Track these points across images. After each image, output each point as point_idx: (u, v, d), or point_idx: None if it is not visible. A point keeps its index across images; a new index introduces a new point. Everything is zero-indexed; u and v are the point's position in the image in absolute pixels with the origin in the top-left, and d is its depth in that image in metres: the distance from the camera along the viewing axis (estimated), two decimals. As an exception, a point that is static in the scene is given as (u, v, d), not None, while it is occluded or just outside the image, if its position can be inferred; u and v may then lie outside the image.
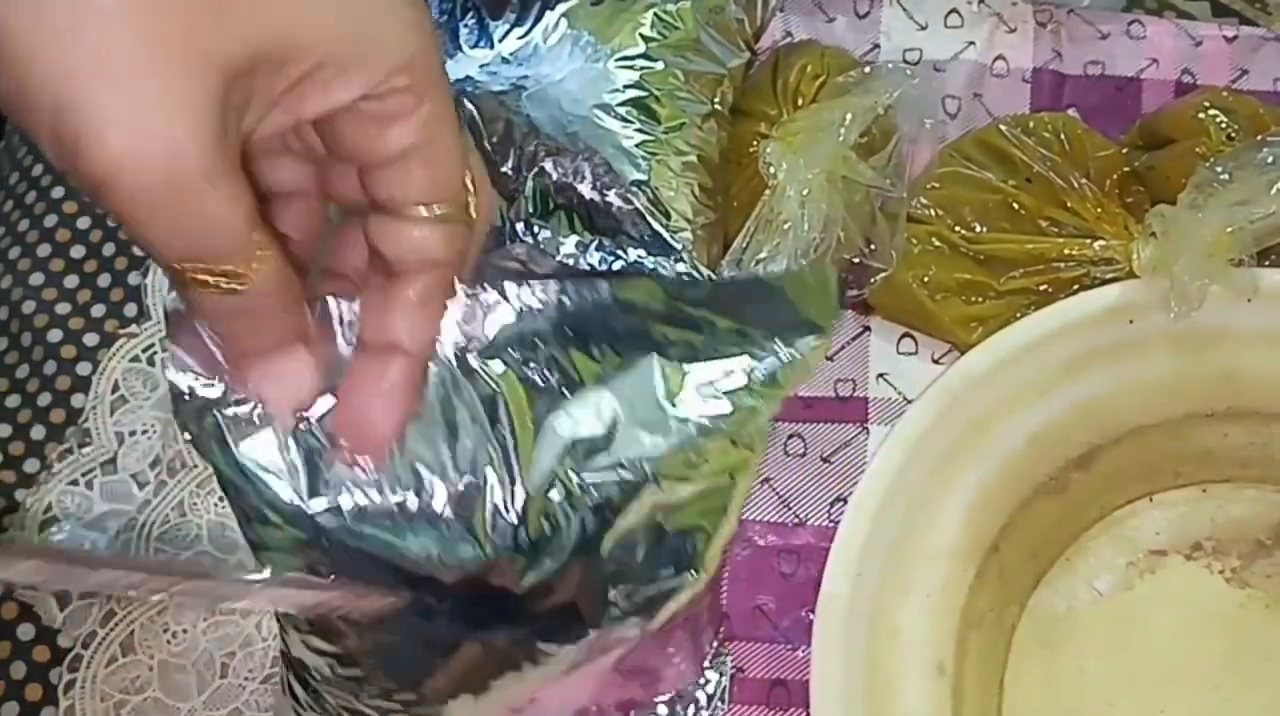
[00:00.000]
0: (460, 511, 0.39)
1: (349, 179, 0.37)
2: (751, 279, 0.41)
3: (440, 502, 0.39)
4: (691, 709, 0.54)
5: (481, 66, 0.58)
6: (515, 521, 0.39)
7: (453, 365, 0.39)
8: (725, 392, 0.40)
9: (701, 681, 0.55)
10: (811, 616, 0.50)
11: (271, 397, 0.37)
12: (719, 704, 0.55)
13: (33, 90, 0.29)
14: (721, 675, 0.55)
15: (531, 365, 0.40)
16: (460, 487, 0.39)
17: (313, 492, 0.38)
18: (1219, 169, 0.50)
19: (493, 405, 0.39)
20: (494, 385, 0.39)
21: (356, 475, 0.38)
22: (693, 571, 0.44)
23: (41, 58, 0.29)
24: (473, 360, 0.39)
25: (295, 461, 0.38)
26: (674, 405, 0.40)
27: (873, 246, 0.56)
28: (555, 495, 0.40)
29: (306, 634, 0.44)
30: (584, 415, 0.39)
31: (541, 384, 0.39)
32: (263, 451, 0.38)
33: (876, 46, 0.66)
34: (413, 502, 0.39)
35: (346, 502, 0.38)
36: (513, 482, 0.39)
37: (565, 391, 0.39)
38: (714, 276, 0.41)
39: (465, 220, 0.36)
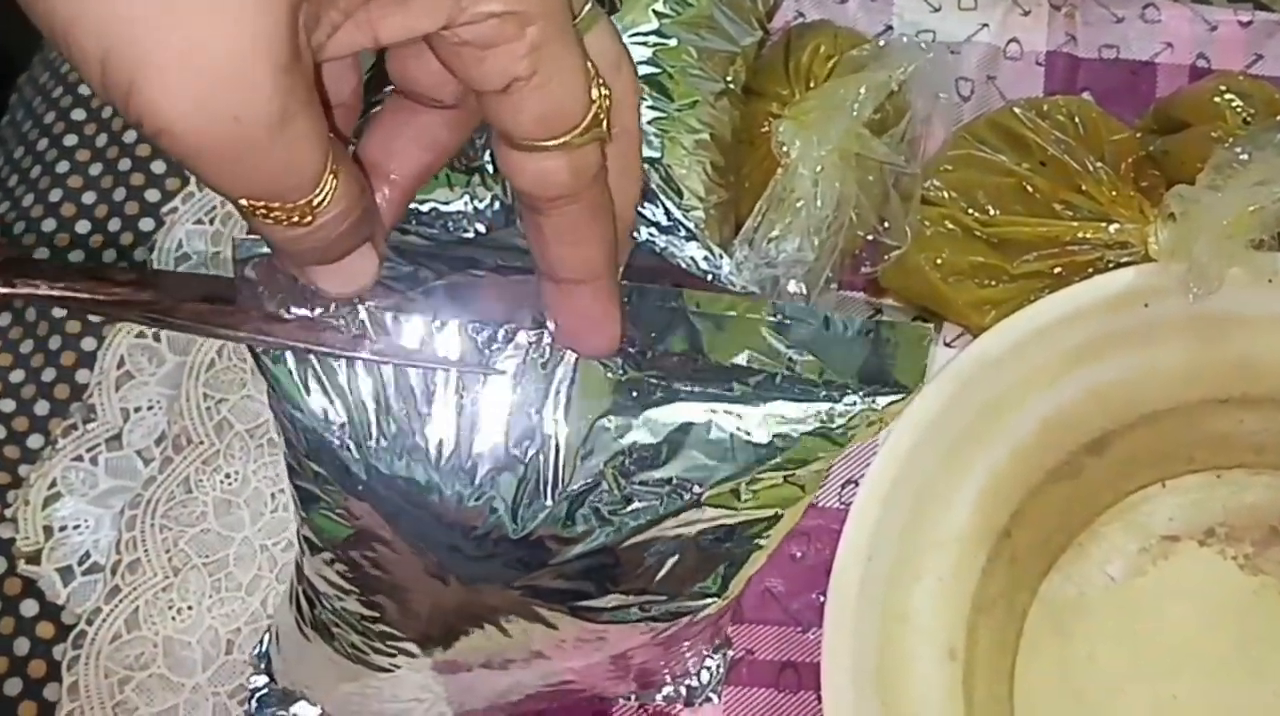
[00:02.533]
0: (500, 478, 0.39)
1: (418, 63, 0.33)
2: (851, 322, 0.40)
3: (485, 468, 0.39)
4: (685, 690, 0.54)
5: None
6: (551, 507, 0.39)
7: (529, 347, 0.38)
8: (794, 433, 0.39)
9: (703, 666, 0.54)
10: (822, 599, 0.50)
11: (334, 292, 0.35)
12: (718, 686, 0.55)
13: (80, 33, 0.26)
14: (722, 660, 0.55)
15: (608, 362, 0.39)
16: (507, 459, 0.39)
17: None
18: (1238, 149, 0.50)
19: (558, 392, 0.39)
20: (570, 371, 0.39)
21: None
22: (715, 597, 0.44)
23: None
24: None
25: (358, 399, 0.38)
26: (738, 435, 0.39)
27: (886, 224, 0.56)
28: (597, 497, 0.39)
29: (330, 562, 0.44)
30: (644, 423, 0.39)
31: (611, 378, 0.39)
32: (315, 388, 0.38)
33: (889, 28, 0.66)
34: (460, 454, 0.39)
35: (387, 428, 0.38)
36: (558, 469, 0.39)
37: (633, 393, 0.39)
38: (812, 311, 0.40)
39: (595, 140, 0.32)
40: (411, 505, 0.39)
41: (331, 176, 0.30)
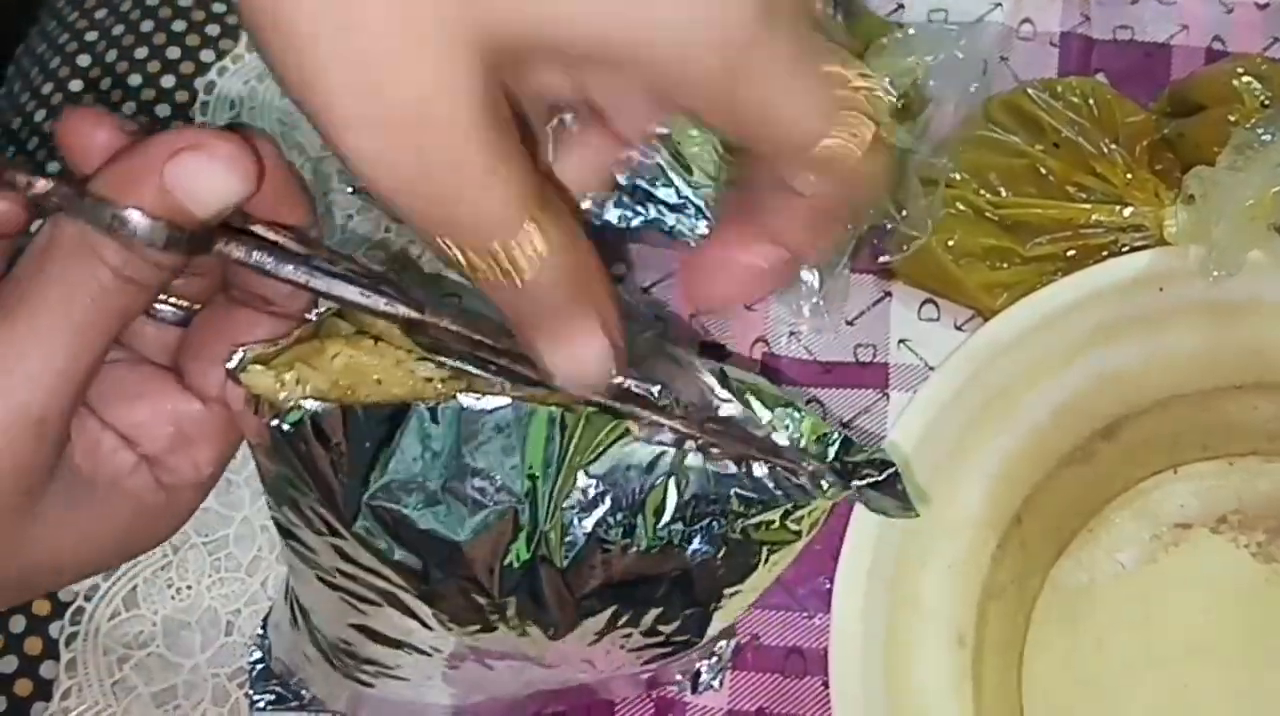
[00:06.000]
0: (493, 521, 0.38)
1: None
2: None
3: (482, 510, 0.38)
4: (690, 677, 0.54)
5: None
6: (551, 550, 0.38)
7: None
8: (796, 487, 0.39)
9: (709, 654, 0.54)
10: (829, 584, 0.49)
11: (566, 377, 0.32)
12: (723, 672, 0.54)
13: (274, 57, 0.26)
14: (727, 646, 0.54)
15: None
16: (500, 502, 0.38)
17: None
18: (1259, 130, 0.49)
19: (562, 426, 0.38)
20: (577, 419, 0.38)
21: None
22: (700, 637, 0.43)
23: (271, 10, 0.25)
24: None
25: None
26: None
27: (904, 212, 0.55)
28: (594, 543, 0.38)
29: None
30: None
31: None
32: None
33: (901, 6, 0.65)
34: (454, 498, 0.38)
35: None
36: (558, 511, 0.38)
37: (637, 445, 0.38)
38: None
39: (852, 151, 0.31)
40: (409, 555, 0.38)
41: (539, 231, 0.28)
